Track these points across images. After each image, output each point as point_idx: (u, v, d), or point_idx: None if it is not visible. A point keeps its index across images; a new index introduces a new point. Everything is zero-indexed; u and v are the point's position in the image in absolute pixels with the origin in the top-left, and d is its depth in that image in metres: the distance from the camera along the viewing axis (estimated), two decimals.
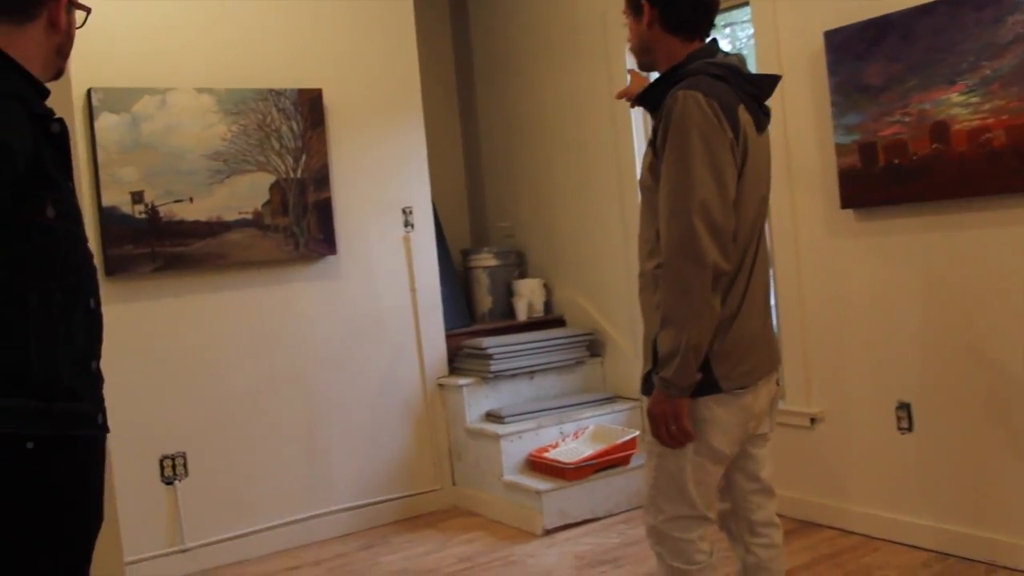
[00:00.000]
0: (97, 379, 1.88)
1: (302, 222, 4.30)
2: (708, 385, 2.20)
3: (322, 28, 4.44)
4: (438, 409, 4.72)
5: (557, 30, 5.06)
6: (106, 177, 3.85)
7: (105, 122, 3.86)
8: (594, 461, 4.31)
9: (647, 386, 2.27)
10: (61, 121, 1.81)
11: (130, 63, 3.97)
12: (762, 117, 2.31)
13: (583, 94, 4.92)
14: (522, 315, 5.09)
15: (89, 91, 3.84)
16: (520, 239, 5.46)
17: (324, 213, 4.35)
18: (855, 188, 3.67)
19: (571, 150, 5.04)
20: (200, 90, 4.08)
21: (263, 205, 4.22)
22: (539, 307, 5.16)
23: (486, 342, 4.63)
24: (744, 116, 2.21)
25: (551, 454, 4.41)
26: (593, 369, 4.94)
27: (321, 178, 4.35)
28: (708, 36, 2.34)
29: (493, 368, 4.59)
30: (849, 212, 3.75)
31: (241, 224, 4.16)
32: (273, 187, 4.25)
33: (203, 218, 4.07)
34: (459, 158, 5.73)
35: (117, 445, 3.86)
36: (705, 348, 2.16)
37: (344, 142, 4.48)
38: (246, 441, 4.20)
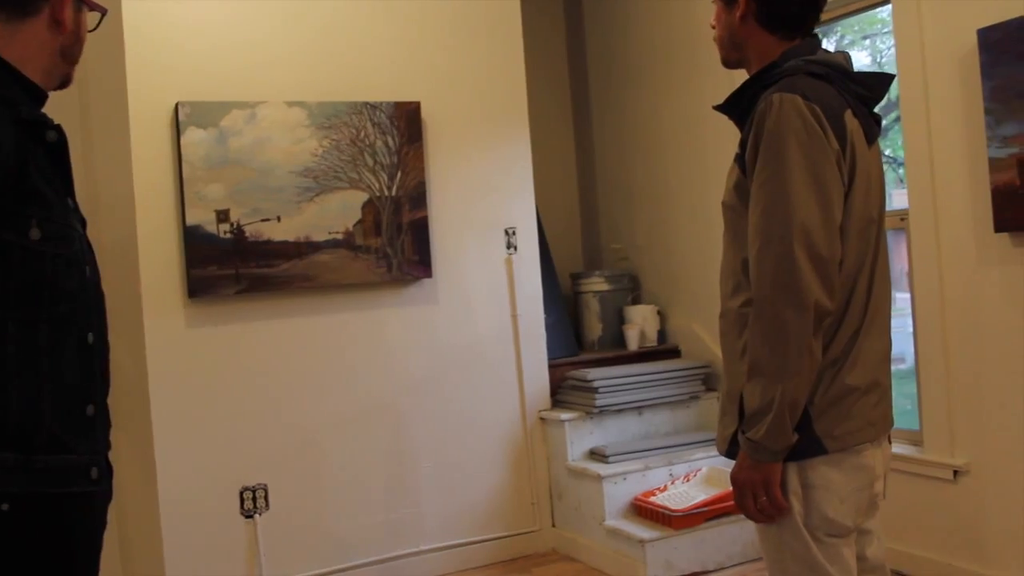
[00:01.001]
0: (94, 425, 1.63)
1: (396, 243, 4.06)
2: (809, 444, 1.83)
3: (421, 37, 4.20)
4: (538, 445, 4.40)
5: (678, 42, 4.70)
6: (191, 195, 3.70)
7: (192, 137, 3.70)
8: (705, 508, 3.90)
9: (732, 448, 1.91)
10: (59, 129, 1.59)
11: (219, 76, 3.81)
12: (872, 125, 1.95)
13: (704, 110, 4.53)
14: (633, 344, 4.73)
15: (176, 105, 3.69)
16: (634, 262, 5.10)
17: (420, 233, 4.10)
18: (1012, 209, 3.18)
19: (690, 168, 4.66)
20: (291, 103, 3.89)
21: (355, 224, 4.00)
22: (652, 336, 4.79)
23: (591, 374, 4.29)
24: (852, 123, 1.86)
25: (658, 498, 4.02)
26: (709, 405, 4.53)
27: (417, 196, 4.11)
28: (811, 33, 1.97)
29: (599, 402, 4.24)
30: (1004, 236, 3.26)
31: (331, 245, 3.94)
32: (366, 206, 4.02)
33: (291, 238, 3.87)
34: (571, 175, 5.42)
35: (195, 475, 3.71)
36: (803, 404, 1.80)
37: (443, 158, 4.22)
38: (331, 474, 3.97)
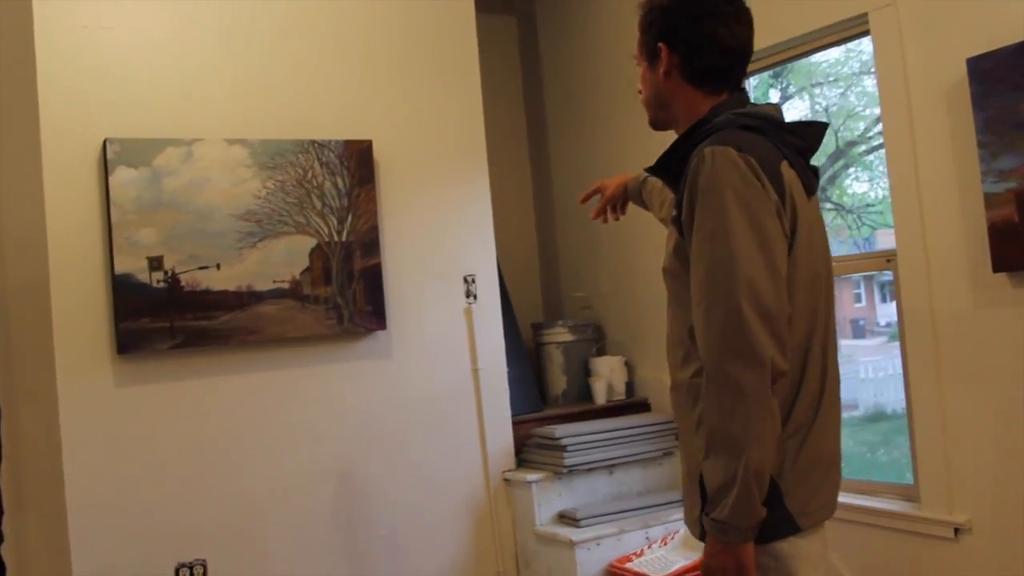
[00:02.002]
0: None
1: (347, 292, 3.74)
2: (781, 523, 1.72)
3: (372, 71, 3.93)
4: (503, 509, 4.06)
5: (637, 80, 4.49)
6: (120, 240, 3.35)
7: (121, 177, 3.37)
8: (687, 575, 3.61)
9: (702, 529, 1.75)
10: None
11: (152, 110, 3.49)
12: (811, 176, 1.87)
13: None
14: (600, 398, 4.45)
15: (104, 142, 3.36)
16: (598, 311, 4.84)
17: (373, 282, 3.79)
18: (1011, 247, 2.96)
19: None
20: (231, 141, 3.58)
21: (302, 273, 3.68)
22: (620, 389, 4.51)
23: (559, 431, 3.99)
24: (789, 174, 1.77)
25: (635, 564, 3.71)
26: None
27: (370, 242, 3.80)
28: (739, 87, 1.91)
29: (567, 461, 3.93)
30: (1003, 276, 3.04)
31: (276, 295, 3.62)
32: (314, 252, 3.70)
33: (231, 287, 3.54)
34: (530, 219, 5.15)
35: (128, 549, 3.32)
36: (768, 474, 1.67)
37: (397, 201, 3.93)
38: (279, 547, 3.60)
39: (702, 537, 1.76)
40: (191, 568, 3.43)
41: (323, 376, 3.74)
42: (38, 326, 3.28)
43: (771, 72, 4.24)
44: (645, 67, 1.96)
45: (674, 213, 1.84)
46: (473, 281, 4.09)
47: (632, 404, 4.48)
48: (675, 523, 3.90)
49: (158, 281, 3.42)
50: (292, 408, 3.67)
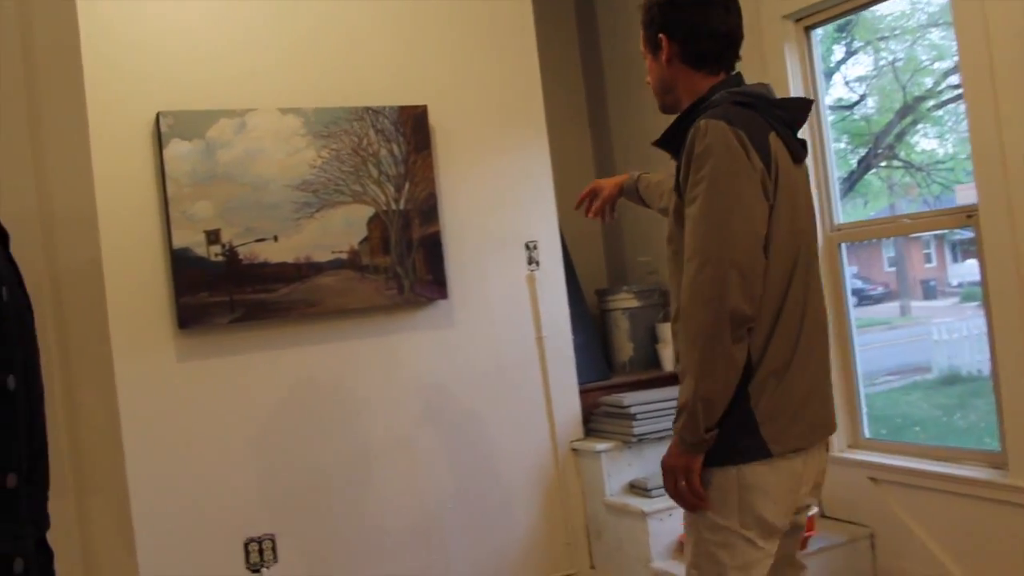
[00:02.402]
0: (15, 501, 1.26)
1: (406, 261, 3.67)
2: (756, 449, 1.99)
3: (425, 35, 3.82)
4: (572, 479, 3.97)
5: None
6: (177, 214, 3.31)
7: (175, 150, 3.33)
8: None
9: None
10: None
11: (205, 83, 3.44)
12: (798, 146, 2.12)
13: None
14: (669, 365, 4.32)
15: (158, 116, 3.31)
16: (664, 275, 4.70)
17: (432, 250, 3.71)
18: None
19: None
20: (284, 110, 3.51)
21: (360, 242, 3.61)
22: None
23: (627, 398, 3.88)
24: (776, 144, 2.02)
25: None
26: None
27: (428, 209, 3.72)
28: (733, 68, 2.18)
29: (636, 430, 3.82)
30: None
31: (335, 265, 3.55)
32: (372, 221, 3.63)
33: (290, 259, 3.48)
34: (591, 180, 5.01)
35: (194, 526, 3.30)
36: (721, 403, 1.94)
37: (455, 167, 3.84)
38: (344, 520, 3.56)
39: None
40: (260, 543, 3.41)
41: (385, 347, 3.67)
42: (93, 307, 3.26)
43: (835, 25, 4.05)
44: (650, 58, 2.20)
45: (674, 181, 2.06)
46: (535, 247, 3.98)
47: None
48: None
49: (216, 255, 3.37)
50: (355, 380, 3.61)
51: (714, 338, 1.89)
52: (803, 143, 2.15)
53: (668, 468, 2.03)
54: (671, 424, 2.12)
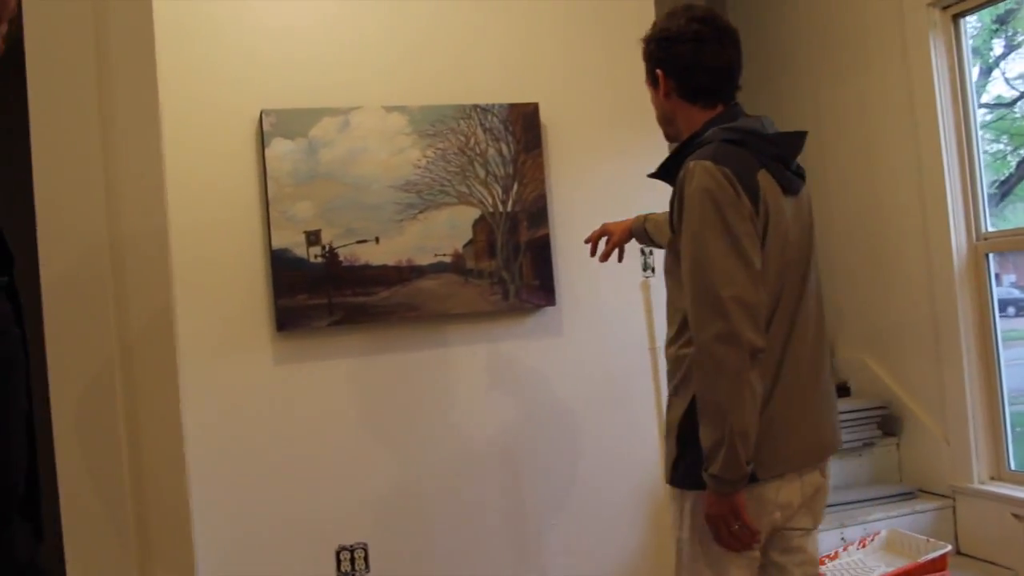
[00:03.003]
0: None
1: (513, 266, 3.52)
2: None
3: (536, 30, 3.66)
4: None
5: (837, 22, 4.02)
6: (277, 214, 3.26)
7: (278, 149, 3.27)
8: None
9: (673, 475, 2.15)
10: None
11: (309, 82, 3.37)
12: (792, 178, 2.16)
13: (872, 102, 3.84)
14: None
15: (261, 114, 3.26)
16: None
17: (541, 254, 3.55)
18: None
19: (856, 171, 3.96)
20: (389, 108, 3.41)
21: (465, 245, 3.48)
22: None
23: None
24: (765, 180, 2.06)
25: (828, 568, 3.33)
26: (886, 454, 3.81)
27: (537, 211, 3.56)
28: (732, 100, 2.22)
29: None
30: None
31: (437, 269, 3.44)
32: (478, 223, 3.50)
33: (391, 262, 3.38)
34: None
35: (286, 532, 3.24)
36: (753, 434, 1.98)
37: (566, 167, 3.66)
38: (440, 531, 3.44)
39: (670, 481, 2.17)
40: (352, 551, 3.33)
41: (488, 355, 3.54)
42: (159, 323, 3.19)
43: (994, 17, 3.68)
44: (652, 91, 2.28)
45: (669, 215, 2.15)
46: (651, 253, 3.77)
47: None
48: (875, 523, 3.48)
49: (316, 256, 3.30)
50: (455, 388, 3.49)
51: (738, 372, 1.94)
52: (800, 172, 2.20)
53: (716, 517, 2.02)
54: (676, 460, 2.13)
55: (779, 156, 2.13)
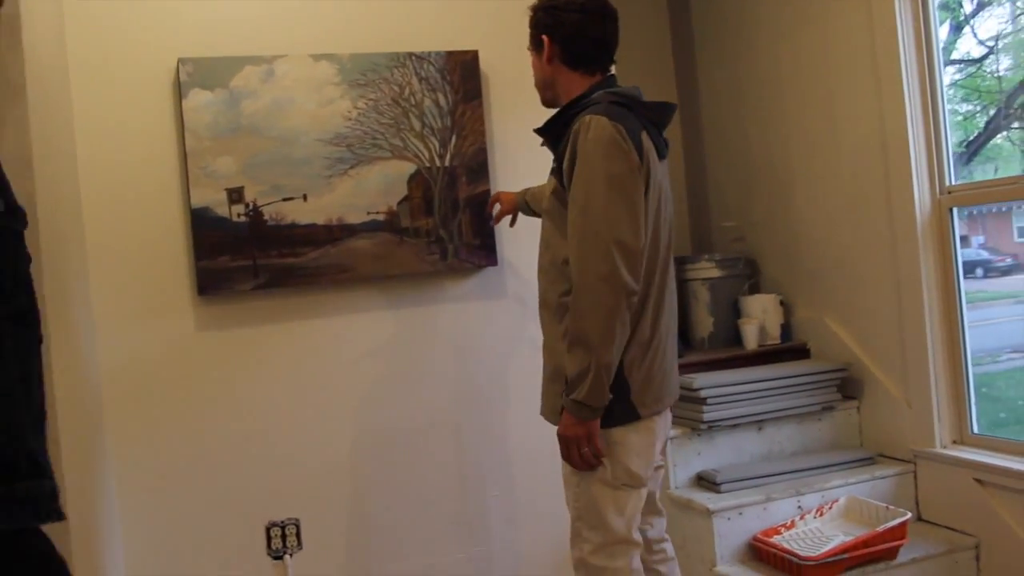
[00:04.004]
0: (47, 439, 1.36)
1: (451, 224, 3.32)
2: (626, 413, 2.27)
3: None
4: None
5: None
6: (196, 170, 3.04)
7: (196, 100, 3.05)
8: (845, 555, 3.04)
9: (558, 416, 2.28)
10: None
11: (229, 28, 3.15)
12: (663, 144, 2.37)
13: (834, 50, 3.65)
14: (751, 343, 3.88)
15: (178, 63, 3.04)
16: (751, 243, 4.24)
17: (481, 212, 3.36)
18: None
19: (818, 124, 3.77)
20: (317, 57, 3.19)
21: (400, 203, 3.28)
22: (774, 332, 3.93)
23: (699, 380, 3.46)
24: (647, 142, 2.25)
25: (783, 539, 3.19)
26: (846, 418, 3.66)
27: (477, 166, 3.36)
28: (608, 71, 2.40)
29: (707, 416, 3.42)
30: None
31: (370, 228, 3.24)
32: (413, 179, 3.30)
33: (320, 220, 3.18)
34: (674, 138, 4.57)
35: (212, 509, 3.07)
36: (615, 368, 2.19)
37: (508, 119, 3.46)
38: (378, 506, 3.28)
39: (554, 421, 2.33)
40: (283, 527, 3.14)
41: (425, 318, 3.35)
42: (72, 287, 2.99)
43: None
44: (534, 56, 2.45)
45: (554, 166, 2.34)
46: None
47: (788, 349, 3.89)
48: (833, 490, 3.35)
49: (238, 215, 3.09)
50: (391, 355, 3.31)
51: (613, 309, 2.12)
52: (666, 141, 2.40)
53: (571, 438, 2.23)
54: (580, 400, 2.21)
55: (656, 122, 2.34)
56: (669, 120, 2.41)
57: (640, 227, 2.17)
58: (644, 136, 2.24)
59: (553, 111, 2.44)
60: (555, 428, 2.37)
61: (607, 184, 2.14)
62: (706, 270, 4.07)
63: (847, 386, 3.67)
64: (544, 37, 2.38)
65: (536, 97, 3.45)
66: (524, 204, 3.14)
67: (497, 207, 3.26)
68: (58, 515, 1.33)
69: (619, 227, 2.13)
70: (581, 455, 2.24)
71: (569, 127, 2.26)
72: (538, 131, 2.44)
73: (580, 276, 2.16)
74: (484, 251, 3.37)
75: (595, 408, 2.18)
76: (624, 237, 2.13)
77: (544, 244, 2.40)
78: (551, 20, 2.37)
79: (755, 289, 4.12)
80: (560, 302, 2.30)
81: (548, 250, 2.37)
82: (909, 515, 3.15)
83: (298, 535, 3.13)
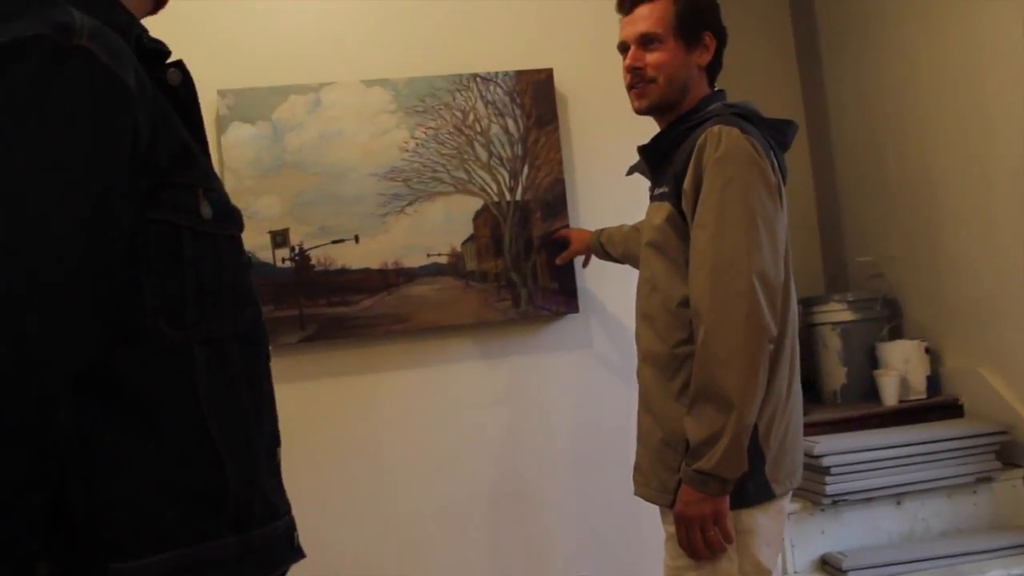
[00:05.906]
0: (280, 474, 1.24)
1: (524, 266, 2.94)
2: (759, 491, 1.85)
3: None
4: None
5: None
6: None
7: (236, 135, 2.79)
8: None
9: (669, 494, 1.90)
10: (181, 65, 1.13)
11: (271, 55, 2.89)
12: (786, 168, 2.01)
13: (987, 56, 3.08)
14: (890, 398, 3.31)
15: (216, 95, 2.79)
16: (891, 280, 3.66)
17: (559, 252, 2.95)
18: None
19: (969, 137, 3.19)
20: (369, 82, 2.88)
21: (464, 243, 2.92)
22: (919, 386, 3.35)
23: (821, 445, 2.95)
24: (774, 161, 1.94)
25: None
26: (1008, 492, 3.06)
27: (553, 200, 2.97)
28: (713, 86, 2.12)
29: (830, 489, 2.91)
30: None
31: (431, 272, 2.89)
32: (480, 216, 2.93)
33: (374, 265, 2.85)
34: (802, 163, 4.04)
35: None
36: (751, 430, 1.80)
37: (589, 145, 3.06)
38: None
39: (671, 506, 1.89)
40: None
41: (496, 373, 2.96)
42: None
43: None
44: (675, 48, 2.03)
45: (664, 190, 1.97)
46: None
47: (935, 406, 3.31)
48: None
49: (283, 260, 2.81)
50: (457, 414, 2.93)
51: (755, 357, 1.78)
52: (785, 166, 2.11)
53: (692, 518, 1.82)
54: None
55: (779, 142, 2.00)
56: (791, 141, 2.06)
57: (780, 259, 1.86)
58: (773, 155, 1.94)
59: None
60: (652, 507, 1.98)
61: (744, 205, 1.82)
62: (837, 312, 3.53)
63: (1009, 452, 3.06)
64: (707, 34, 2.05)
65: (621, 121, 3.04)
66: (599, 246, 2.75)
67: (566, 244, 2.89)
68: (296, 555, 1.21)
69: (760, 257, 1.81)
70: (706, 539, 1.83)
71: (678, 145, 1.97)
72: (643, 148, 2.11)
73: (711, 316, 1.81)
74: (563, 296, 2.96)
75: (727, 480, 1.80)
76: (766, 269, 1.80)
77: (649, 286, 2.02)
78: (717, 19, 2.08)
79: (896, 334, 3.54)
80: (673, 354, 1.93)
81: (656, 292, 1.99)
82: None
83: None
